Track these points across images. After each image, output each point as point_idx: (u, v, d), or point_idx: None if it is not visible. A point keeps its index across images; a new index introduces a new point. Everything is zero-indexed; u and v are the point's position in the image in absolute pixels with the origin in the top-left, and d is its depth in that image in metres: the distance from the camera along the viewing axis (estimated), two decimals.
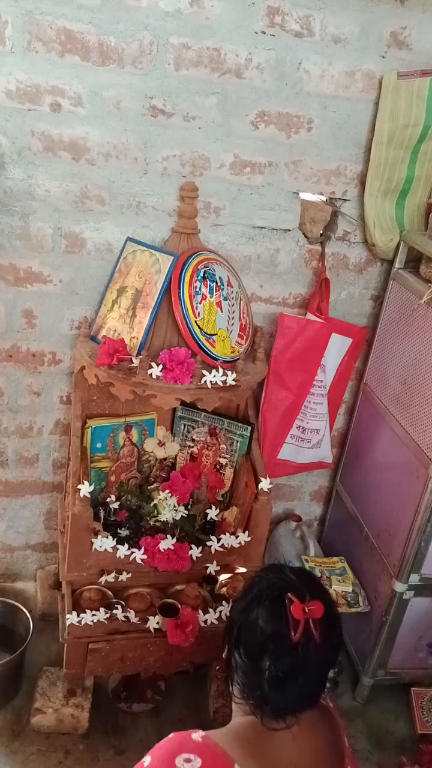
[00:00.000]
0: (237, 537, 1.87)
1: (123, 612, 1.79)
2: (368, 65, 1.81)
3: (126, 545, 1.82)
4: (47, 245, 1.88)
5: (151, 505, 1.94)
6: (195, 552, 1.84)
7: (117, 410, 2.01)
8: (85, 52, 1.67)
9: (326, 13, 1.73)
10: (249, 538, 1.87)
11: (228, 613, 1.26)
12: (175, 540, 1.83)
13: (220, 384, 1.72)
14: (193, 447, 2.07)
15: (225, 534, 1.88)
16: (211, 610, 1.83)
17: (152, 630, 1.77)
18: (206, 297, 1.75)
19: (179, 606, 1.81)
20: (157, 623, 1.78)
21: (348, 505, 2.33)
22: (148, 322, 1.74)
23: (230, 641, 1.19)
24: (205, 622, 1.80)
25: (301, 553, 2.33)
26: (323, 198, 1.99)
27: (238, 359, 1.79)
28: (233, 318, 1.82)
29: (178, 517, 1.90)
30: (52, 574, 2.33)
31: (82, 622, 1.74)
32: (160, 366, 1.69)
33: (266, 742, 1.12)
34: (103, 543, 1.78)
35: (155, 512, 1.92)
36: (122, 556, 1.81)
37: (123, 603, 1.83)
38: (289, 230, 2.01)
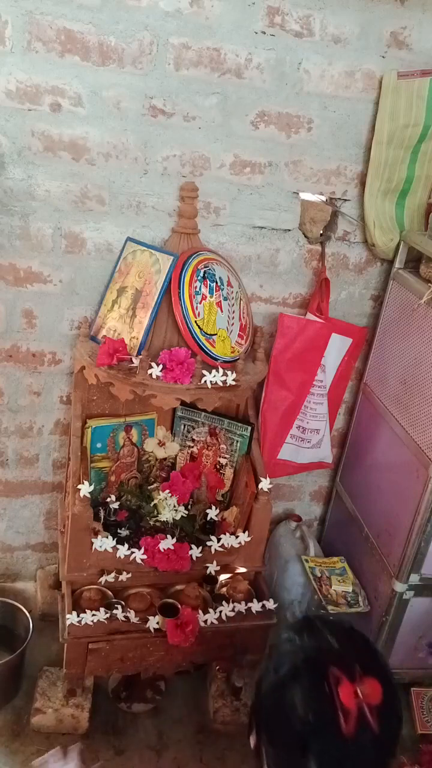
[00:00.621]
0: (237, 537, 1.87)
1: (123, 612, 1.79)
2: (368, 65, 1.81)
3: (126, 545, 1.82)
4: (47, 245, 1.88)
5: (151, 505, 1.94)
6: (195, 552, 1.84)
7: (117, 410, 2.01)
8: (85, 52, 1.67)
9: (326, 13, 1.73)
10: (249, 538, 1.87)
11: (254, 689, 0.99)
12: (175, 540, 1.83)
13: (220, 384, 1.72)
14: (193, 447, 2.07)
15: (225, 534, 1.88)
16: (211, 610, 1.83)
17: (152, 630, 1.77)
18: (206, 297, 1.75)
19: (179, 606, 1.81)
20: (157, 623, 1.78)
21: (348, 505, 2.33)
22: (148, 322, 1.74)
23: (260, 726, 0.95)
24: (205, 622, 1.80)
25: (301, 553, 2.33)
26: (323, 198, 1.99)
27: (238, 359, 1.79)
28: (233, 318, 1.82)
29: (178, 517, 1.91)
30: (52, 574, 2.33)
31: (82, 622, 1.74)
32: (160, 366, 1.69)
33: None
34: (103, 543, 1.78)
35: (155, 512, 1.92)
36: (122, 556, 1.81)
37: (123, 603, 1.83)
38: (289, 230, 2.01)
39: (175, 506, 1.91)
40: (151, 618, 1.78)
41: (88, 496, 1.74)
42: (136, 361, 1.70)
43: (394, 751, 0.93)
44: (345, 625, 0.99)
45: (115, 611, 1.79)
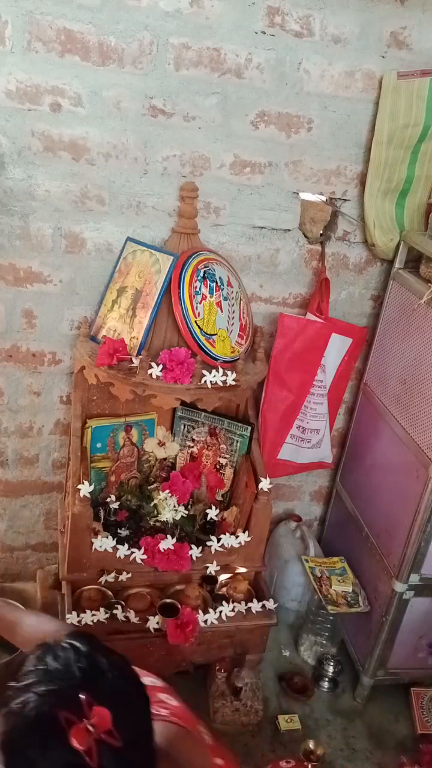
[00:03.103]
0: (237, 537, 1.87)
1: (123, 612, 1.79)
2: (368, 65, 1.81)
3: (126, 545, 1.82)
4: (47, 245, 1.88)
5: (151, 505, 1.94)
6: (195, 552, 1.84)
7: (117, 410, 2.01)
8: (85, 52, 1.67)
9: (326, 13, 1.73)
10: (249, 538, 1.88)
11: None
12: (175, 540, 1.83)
13: (220, 384, 1.72)
14: (193, 447, 2.07)
15: (225, 534, 1.88)
16: (211, 610, 1.83)
17: (152, 630, 1.77)
18: (206, 297, 1.75)
19: (179, 606, 1.81)
20: (157, 623, 1.78)
21: (348, 505, 2.33)
22: (148, 322, 1.74)
23: None
24: (205, 622, 1.80)
25: (301, 553, 2.33)
26: (323, 198, 1.99)
27: (238, 359, 1.79)
28: (233, 318, 1.82)
29: (178, 517, 1.91)
30: (52, 574, 2.33)
31: (82, 622, 1.74)
32: (160, 366, 1.69)
33: None
34: (103, 543, 1.78)
35: (155, 512, 1.92)
36: (122, 556, 1.81)
37: (123, 603, 1.83)
38: (289, 230, 2.01)
39: (175, 506, 1.91)
40: (151, 618, 1.78)
41: (88, 496, 1.74)
42: (136, 361, 1.70)
43: (148, 746, 0.90)
44: (62, 643, 0.92)
45: (115, 611, 1.79)
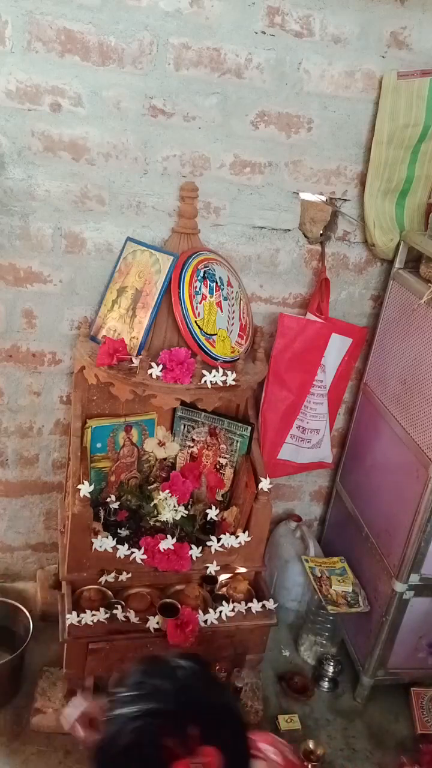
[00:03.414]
0: (237, 537, 1.87)
1: (123, 612, 1.79)
2: (368, 65, 1.81)
3: (126, 545, 1.82)
4: (47, 245, 1.88)
5: (151, 505, 1.94)
6: (195, 552, 1.84)
7: (117, 410, 2.01)
8: (85, 52, 1.67)
9: (326, 13, 1.73)
10: (249, 538, 1.87)
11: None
12: (175, 540, 1.83)
13: (220, 384, 1.72)
14: (193, 447, 2.07)
15: (225, 534, 1.88)
16: (211, 610, 1.83)
17: (152, 630, 1.77)
18: (206, 297, 1.75)
19: (179, 606, 1.81)
20: (157, 623, 1.78)
21: (348, 505, 2.33)
22: (148, 322, 1.74)
23: None
24: (205, 622, 1.80)
25: (301, 553, 2.33)
26: (323, 198, 1.99)
27: (238, 359, 1.79)
28: (233, 318, 1.82)
29: (178, 517, 1.90)
30: (52, 574, 2.33)
31: (82, 622, 1.74)
32: (160, 366, 1.69)
33: None
34: (103, 543, 1.78)
35: (155, 512, 1.92)
36: (122, 556, 1.81)
37: (123, 603, 1.83)
38: (289, 230, 2.01)
39: (175, 506, 1.91)
40: (151, 618, 1.78)
41: (88, 496, 1.74)
42: (136, 361, 1.70)
43: None
44: (187, 667, 0.87)
45: (115, 611, 1.79)
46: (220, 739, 0.79)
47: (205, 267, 1.77)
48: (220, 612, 1.83)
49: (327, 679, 2.23)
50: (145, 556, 1.81)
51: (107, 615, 1.77)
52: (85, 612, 1.75)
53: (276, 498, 2.40)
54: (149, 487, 2.01)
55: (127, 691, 0.84)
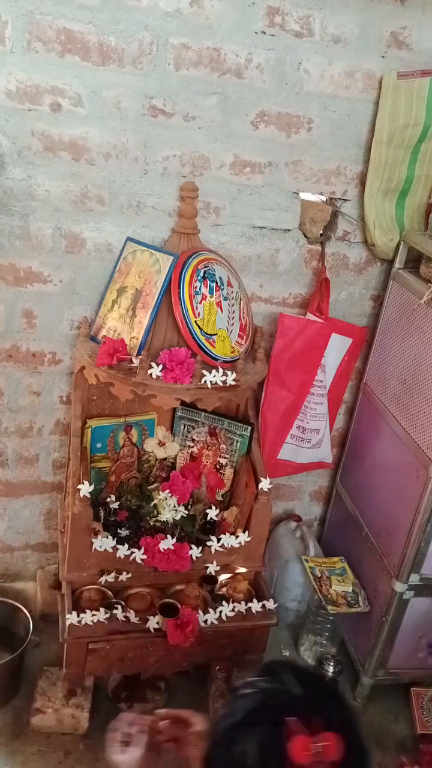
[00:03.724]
0: (237, 537, 1.87)
1: (123, 612, 1.79)
2: (368, 65, 1.81)
3: (126, 545, 1.82)
4: (47, 245, 1.88)
5: (151, 505, 1.94)
6: (195, 552, 1.84)
7: (117, 410, 2.01)
8: (85, 52, 1.67)
9: (326, 13, 1.73)
10: (249, 538, 1.88)
11: (212, 726, 0.91)
12: (175, 540, 1.83)
13: (220, 384, 1.72)
14: (193, 447, 2.07)
15: (225, 534, 1.88)
16: (211, 610, 1.83)
17: (152, 630, 1.77)
18: (206, 297, 1.75)
19: (179, 606, 1.81)
20: (157, 623, 1.78)
21: (348, 505, 2.33)
22: (148, 322, 1.74)
23: None
24: (205, 622, 1.80)
25: (301, 553, 2.33)
26: (323, 198, 1.99)
27: (238, 359, 1.79)
28: (233, 318, 1.82)
29: (178, 517, 1.90)
30: (52, 574, 2.33)
31: (82, 622, 1.74)
32: (160, 366, 1.69)
33: None
34: (103, 543, 1.78)
35: (155, 512, 1.92)
36: (122, 556, 1.81)
37: (123, 603, 1.83)
38: (289, 230, 2.01)
39: (175, 506, 1.91)
40: (151, 618, 1.78)
41: (88, 496, 1.74)
42: (136, 361, 1.70)
43: None
44: (315, 674, 0.92)
45: (115, 611, 1.79)
46: (341, 731, 0.79)
47: (205, 267, 1.77)
48: (220, 612, 1.83)
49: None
50: (145, 556, 1.81)
51: (107, 615, 1.77)
52: (85, 612, 1.75)
53: (276, 498, 2.40)
54: (149, 487, 2.01)
55: (253, 679, 0.87)
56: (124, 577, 1.84)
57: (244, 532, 1.88)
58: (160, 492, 1.93)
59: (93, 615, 1.75)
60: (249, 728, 0.81)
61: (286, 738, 0.77)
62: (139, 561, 1.82)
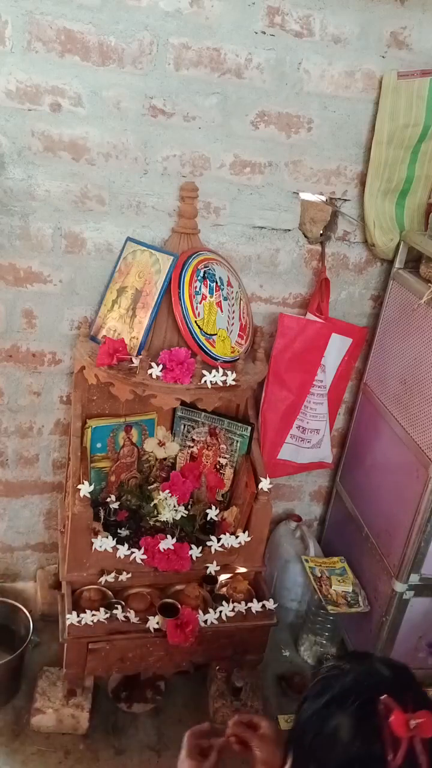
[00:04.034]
0: (237, 537, 1.87)
1: (123, 612, 1.79)
2: (368, 65, 1.81)
3: (126, 545, 1.82)
4: (47, 245, 1.88)
5: (151, 505, 1.94)
6: (195, 552, 1.84)
7: (117, 410, 2.01)
8: (85, 52, 1.67)
9: (326, 13, 1.73)
10: (249, 538, 1.88)
11: (295, 713, 0.93)
12: (175, 540, 1.83)
13: (220, 384, 1.72)
14: (193, 447, 2.07)
15: (225, 534, 1.88)
16: (211, 610, 1.83)
17: (152, 630, 1.77)
18: (206, 297, 1.75)
19: (179, 606, 1.81)
20: (157, 623, 1.78)
21: (348, 505, 2.33)
22: (148, 322, 1.74)
23: (297, 754, 0.88)
24: (205, 622, 1.80)
25: (301, 553, 2.33)
26: (323, 198, 1.99)
27: (238, 359, 1.79)
28: (233, 318, 1.82)
29: (178, 517, 1.90)
30: (52, 574, 2.33)
31: (82, 622, 1.74)
32: (160, 366, 1.69)
33: None
34: (103, 543, 1.78)
35: (155, 512, 1.92)
36: (122, 556, 1.81)
37: (123, 603, 1.83)
38: (289, 230, 2.01)
39: (175, 506, 1.91)
40: (151, 618, 1.78)
41: (88, 496, 1.74)
42: (136, 361, 1.70)
43: None
44: (396, 662, 0.92)
45: (115, 611, 1.79)
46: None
47: (205, 267, 1.77)
48: (220, 612, 1.83)
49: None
50: (145, 556, 1.81)
51: (107, 615, 1.77)
52: (85, 612, 1.75)
53: (276, 498, 2.40)
54: (149, 487, 2.01)
55: (338, 663, 0.91)
56: (124, 577, 1.84)
57: (244, 532, 1.88)
58: (160, 492, 1.93)
59: (93, 615, 1.75)
60: (343, 705, 0.83)
61: (381, 714, 0.80)
62: (139, 561, 1.82)
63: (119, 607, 1.81)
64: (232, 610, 1.84)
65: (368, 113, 1.87)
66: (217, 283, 1.78)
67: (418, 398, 1.90)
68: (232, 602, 1.87)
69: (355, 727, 0.81)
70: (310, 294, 2.11)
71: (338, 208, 2.01)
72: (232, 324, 1.82)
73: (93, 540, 1.78)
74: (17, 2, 1.60)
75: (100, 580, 1.83)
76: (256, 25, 1.72)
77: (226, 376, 1.72)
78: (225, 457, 2.04)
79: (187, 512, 1.93)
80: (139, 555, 1.81)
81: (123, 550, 1.81)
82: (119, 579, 1.84)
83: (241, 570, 1.95)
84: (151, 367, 1.69)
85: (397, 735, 0.79)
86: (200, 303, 1.74)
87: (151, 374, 1.69)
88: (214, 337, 1.76)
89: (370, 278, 2.14)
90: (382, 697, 0.81)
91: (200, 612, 1.81)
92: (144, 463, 2.07)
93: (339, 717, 0.83)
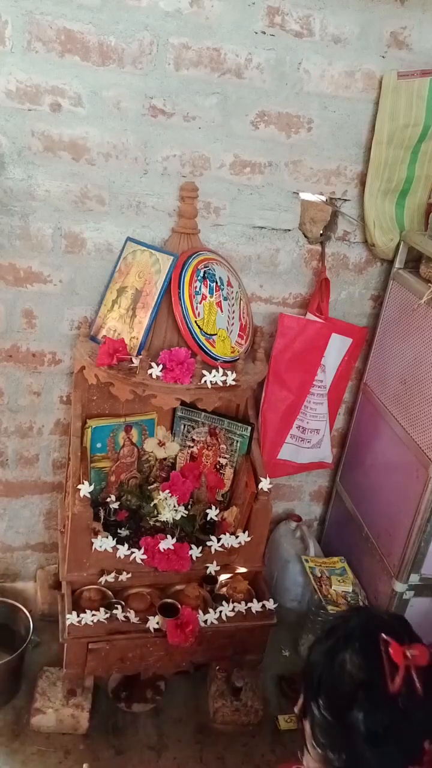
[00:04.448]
0: (237, 537, 1.87)
1: (123, 612, 1.79)
2: (368, 65, 1.81)
3: (126, 545, 1.82)
4: (47, 245, 1.88)
5: (151, 505, 1.94)
6: (195, 552, 1.84)
7: (117, 410, 2.01)
8: (85, 52, 1.67)
9: (326, 13, 1.73)
10: (249, 538, 1.88)
11: (306, 656, 1.06)
12: (175, 540, 1.83)
13: (220, 384, 1.72)
14: (193, 447, 2.07)
15: (225, 534, 1.88)
16: (211, 610, 1.83)
17: (152, 630, 1.77)
18: (206, 297, 1.75)
19: (179, 606, 1.81)
20: (157, 623, 1.78)
21: (348, 505, 2.33)
22: (148, 322, 1.74)
23: (308, 691, 0.99)
24: (205, 622, 1.80)
25: (301, 553, 2.33)
26: (323, 198, 1.99)
27: (238, 359, 1.79)
28: (233, 318, 1.82)
29: (178, 517, 1.91)
30: (52, 574, 2.33)
31: (82, 622, 1.74)
32: (160, 366, 1.69)
33: None
34: (103, 543, 1.78)
35: (155, 512, 1.92)
36: (122, 556, 1.81)
37: (123, 603, 1.83)
38: (289, 230, 2.01)
39: (175, 506, 1.91)
40: (151, 618, 1.78)
41: (88, 496, 1.74)
42: (136, 361, 1.70)
43: None
44: (395, 613, 1.08)
45: (115, 611, 1.79)
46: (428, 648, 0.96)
47: (205, 267, 1.77)
48: (220, 612, 1.83)
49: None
50: (145, 556, 1.81)
51: (107, 615, 1.77)
52: (85, 612, 1.75)
53: (276, 498, 2.40)
54: (149, 487, 2.01)
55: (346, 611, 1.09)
56: (124, 577, 1.84)
57: (244, 532, 1.88)
58: (160, 492, 1.93)
59: (93, 615, 1.75)
60: (348, 643, 0.97)
61: (382, 647, 0.93)
62: (139, 561, 1.82)
63: (119, 607, 1.81)
64: (232, 610, 1.84)
65: (368, 113, 1.87)
66: (217, 283, 1.78)
67: (418, 398, 1.90)
68: (232, 602, 1.87)
69: (358, 660, 0.94)
70: (310, 294, 2.11)
71: (338, 208, 2.01)
72: (232, 324, 1.82)
73: (93, 540, 1.78)
74: (17, 2, 1.60)
75: (100, 580, 1.83)
76: (256, 25, 1.72)
77: (226, 376, 1.72)
78: (225, 457, 2.04)
79: (187, 512, 1.93)
80: (139, 555, 1.81)
81: (123, 550, 1.81)
82: (119, 579, 1.84)
83: (241, 570, 1.95)
84: (151, 367, 1.69)
85: (396, 663, 0.91)
86: (200, 303, 1.74)
87: (151, 374, 1.69)
88: (214, 337, 1.76)
89: (370, 278, 2.14)
90: (382, 635, 0.94)
91: (200, 612, 1.81)
92: (144, 463, 2.07)
93: (344, 653, 0.96)
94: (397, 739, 0.91)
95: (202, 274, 1.76)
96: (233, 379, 1.73)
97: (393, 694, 0.91)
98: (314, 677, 0.98)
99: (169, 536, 1.83)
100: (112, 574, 1.83)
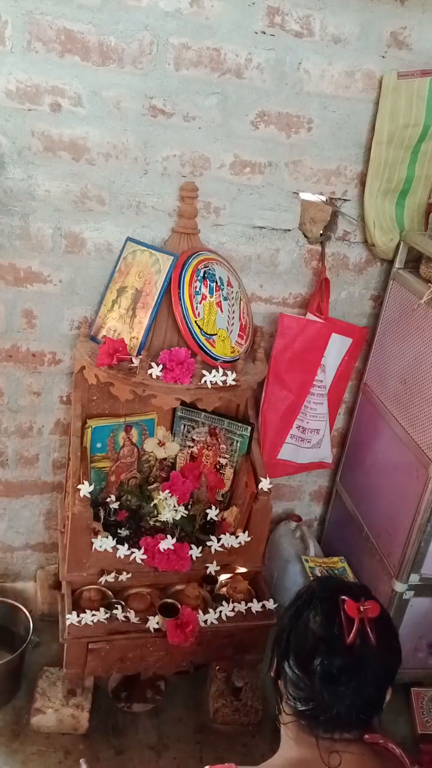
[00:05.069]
0: (237, 537, 1.87)
1: (123, 612, 1.79)
2: (368, 65, 1.81)
3: (126, 545, 1.82)
4: (47, 245, 1.88)
5: (151, 505, 1.94)
6: (195, 552, 1.84)
7: (117, 410, 2.01)
8: (85, 52, 1.67)
9: (326, 13, 1.73)
10: (249, 538, 1.88)
11: (279, 623, 1.19)
12: (175, 540, 1.83)
13: (220, 384, 1.72)
14: (193, 447, 2.07)
15: (225, 534, 1.88)
16: (211, 610, 1.83)
17: (152, 630, 1.77)
18: (206, 297, 1.75)
19: (179, 606, 1.81)
20: (157, 623, 1.78)
21: (348, 505, 2.33)
22: (148, 322, 1.74)
23: (279, 653, 1.13)
24: (205, 622, 1.80)
25: (301, 553, 2.33)
26: (323, 198, 1.99)
27: (238, 359, 1.79)
28: (233, 318, 1.82)
29: (178, 517, 1.90)
30: (52, 574, 2.33)
31: (82, 622, 1.74)
32: (160, 366, 1.69)
33: None
34: (103, 543, 1.78)
35: (155, 512, 1.92)
36: (122, 556, 1.81)
37: (123, 603, 1.83)
38: (289, 230, 2.01)
39: (175, 506, 1.91)
40: (151, 618, 1.78)
41: (88, 496, 1.74)
42: (136, 361, 1.70)
43: (390, 672, 1.09)
44: (357, 581, 1.25)
45: (115, 611, 1.79)
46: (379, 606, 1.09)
47: (205, 267, 1.77)
48: (220, 612, 1.83)
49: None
50: (145, 556, 1.81)
51: (107, 615, 1.77)
52: (85, 612, 1.75)
53: (276, 498, 2.40)
54: (149, 487, 2.01)
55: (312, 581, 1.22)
56: (124, 577, 1.84)
57: (244, 532, 1.88)
58: (160, 492, 1.93)
59: (93, 615, 1.75)
60: (310, 604, 1.10)
61: (341, 605, 1.06)
62: (139, 561, 1.82)
63: (119, 607, 1.81)
64: (232, 610, 1.84)
65: (368, 113, 1.87)
66: (217, 283, 1.78)
67: (418, 398, 1.90)
68: (232, 602, 1.87)
69: (320, 618, 1.08)
70: (310, 294, 2.11)
71: (338, 208, 2.01)
72: (232, 324, 1.82)
73: (93, 540, 1.78)
74: (17, 2, 1.60)
75: (100, 580, 1.83)
76: (256, 25, 1.72)
77: (226, 376, 1.72)
78: (225, 457, 2.04)
79: (187, 512, 1.93)
80: (139, 555, 1.81)
81: (123, 550, 1.81)
82: (119, 579, 1.84)
83: (241, 570, 1.95)
84: (151, 367, 1.69)
85: (351, 617, 1.05)
86: (200, 303, 1.74)
87: (151, 374, 1.69)
88: (214, 337, 1.76)
89: (370, 278, 2.14)
90: (340, 597, 1.07)
91: (200, 612, 1.81)
92: (144, 463, 2.07)
93: (307, 612, 1.10)
94: (350, 680, 1.03)
95: (202, 274, 1.76)
96: (233, 379, 1.73)
97: (349, 645, 1.03)
98: (283, 639, 1.12)
99: (169, 536, 1.83)
100: (112, 574, 1.83)
